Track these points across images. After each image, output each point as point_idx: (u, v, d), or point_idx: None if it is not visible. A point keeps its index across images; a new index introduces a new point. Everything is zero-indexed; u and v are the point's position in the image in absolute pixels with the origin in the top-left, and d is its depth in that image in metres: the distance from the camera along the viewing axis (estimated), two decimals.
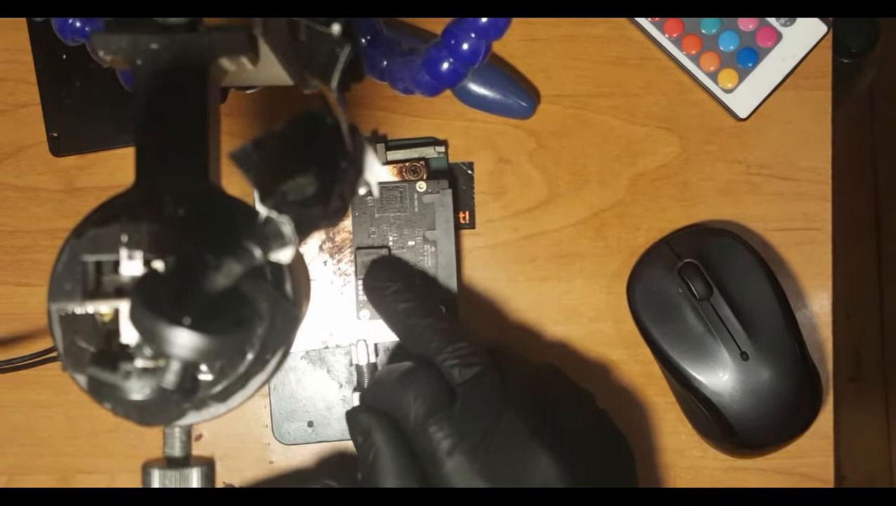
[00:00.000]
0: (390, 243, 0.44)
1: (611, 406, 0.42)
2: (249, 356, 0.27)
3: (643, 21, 0.46)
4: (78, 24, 0.40)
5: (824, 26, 0.46)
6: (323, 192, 0.26)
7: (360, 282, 0.43)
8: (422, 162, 0.45)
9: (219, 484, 0.30)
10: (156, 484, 0.29)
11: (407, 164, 0.45)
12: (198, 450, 0.46)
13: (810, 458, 0.46)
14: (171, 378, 0.25)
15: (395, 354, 0.44)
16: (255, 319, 0.26)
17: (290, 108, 0.27)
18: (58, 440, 0.46)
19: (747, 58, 0.46)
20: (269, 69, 0.31)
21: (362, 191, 0.28)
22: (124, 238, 0.26)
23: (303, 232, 0.26)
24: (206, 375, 0.27)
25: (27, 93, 0.47)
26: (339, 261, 0.45)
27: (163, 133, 0.28)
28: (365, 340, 0.44)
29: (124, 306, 0.26)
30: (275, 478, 0.46)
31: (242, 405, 0.28)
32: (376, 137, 0.47)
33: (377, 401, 0.38)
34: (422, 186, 0.44)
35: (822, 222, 0.47)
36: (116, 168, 0.47)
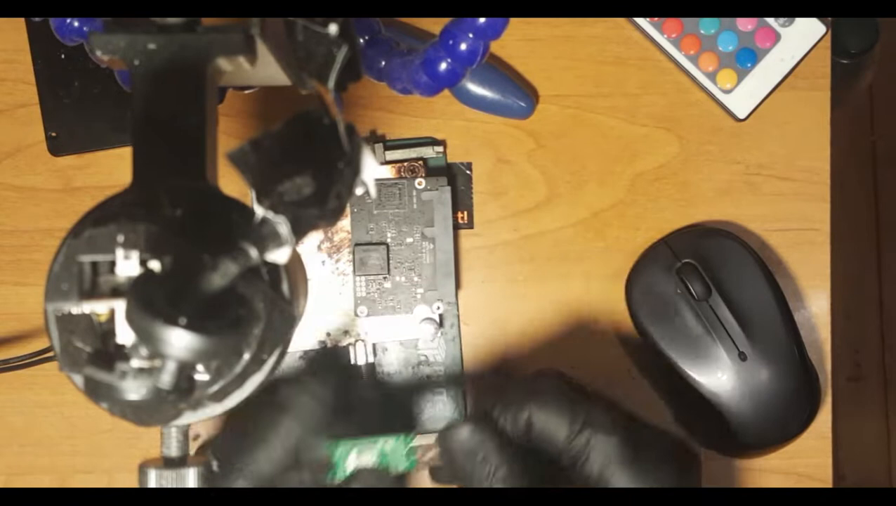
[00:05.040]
0: (388, 240, 0.44)
1: None
2: (246, 356, 0.27)
3: (642, 21, 0.46)
4: (76, 24, 0.40)
5: (823, 26, 0.46)
6: (320, 192, 0.26)
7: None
8: (420, 162, 0.45)
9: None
10: (153, 484, 0.29)
11: (405, 164, 0.45)
12: (195, 450, 0.46)
13: (809, 458, 0.46)
14: (167, 378, 0.25)
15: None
16: (251, 320, 0.26)
17: (288, 109, 0.27)
18: (55, 440, 0.46)
19: (746, 58, 0.46)
20: (267, 69, 0.31)
21: (359, 191, 0.28)
22: (121, 238, 0.26)
23: (300, 232, 0.26)
24: (202, 376, 0.27)
25: (25, 92, 0.47)
26: (338, 260, 0.45)
27: (160, 133, 0.28)
28: (363, 340, 0.44)
29: (120, 306, 0.26)
30: None
31: None
32: (374, 136, 0.47)
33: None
34: (421, 182, 0.44)
35: (820, 223, 0.47)
36: (114, 168, 0.47)
